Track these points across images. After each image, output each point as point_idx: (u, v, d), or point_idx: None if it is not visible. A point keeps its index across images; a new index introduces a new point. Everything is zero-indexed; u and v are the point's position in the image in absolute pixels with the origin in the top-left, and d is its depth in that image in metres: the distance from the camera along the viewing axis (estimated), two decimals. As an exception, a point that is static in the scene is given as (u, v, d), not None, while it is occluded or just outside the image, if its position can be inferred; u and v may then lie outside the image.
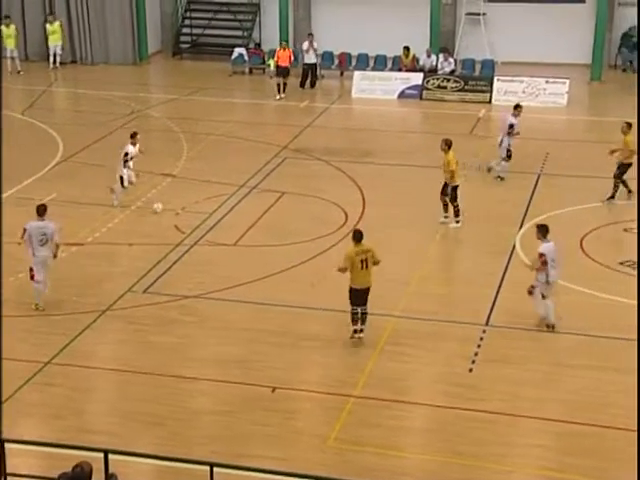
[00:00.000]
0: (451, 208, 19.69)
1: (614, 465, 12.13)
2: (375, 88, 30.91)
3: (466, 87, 30.38)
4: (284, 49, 30.82)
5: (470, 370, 14.33)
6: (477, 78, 31.07)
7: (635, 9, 31.94)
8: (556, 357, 14.73)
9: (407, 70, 31.60)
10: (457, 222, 19.70)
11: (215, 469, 10.17)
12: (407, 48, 31.81)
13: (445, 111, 29.43)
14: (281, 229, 19.68)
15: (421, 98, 30.62)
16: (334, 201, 21.05)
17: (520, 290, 15.83)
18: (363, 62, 33.05)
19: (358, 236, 14.99)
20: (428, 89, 30.68)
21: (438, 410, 13.48)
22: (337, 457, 12.34)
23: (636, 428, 12.39)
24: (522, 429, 13.01)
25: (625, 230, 19.24)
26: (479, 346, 15.01)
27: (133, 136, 20.81)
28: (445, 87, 30.54)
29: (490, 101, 29.89)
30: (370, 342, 15.09)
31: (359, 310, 15.01)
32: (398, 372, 14.35)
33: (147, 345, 15.10)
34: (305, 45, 31.67)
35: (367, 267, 14.85)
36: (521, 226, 19.61)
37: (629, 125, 21.13)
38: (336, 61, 33.44)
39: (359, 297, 14.98)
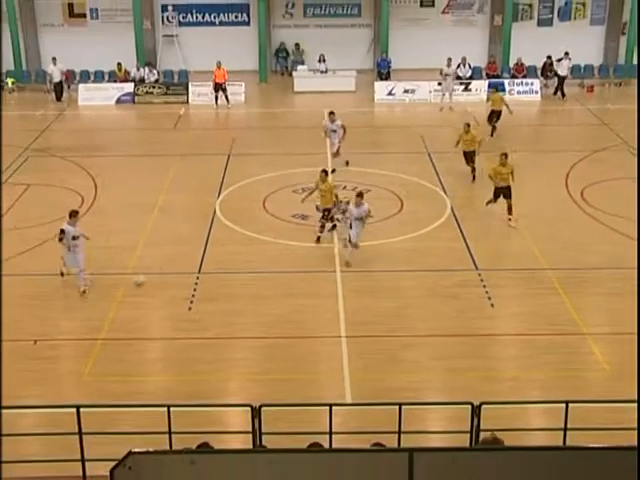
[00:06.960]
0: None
1: (300, 363, 12.52)
2: (96, 96, 29.46)
3: (168, 92, 29.69)
4: (219, 68, 28.56)
5: (189, 309, 14.16)
6: (176, 84, 30.44)
7: (287, 30, 32.91)
8: (255, 291, 14.81)
9: (121, 81, 30.39)
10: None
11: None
12: (120, 64, 30.61)
13: (153, 111, 28.57)
14: (27, 214, 18.37)
15: (134, 102, 29.54)
16: (72, 188, 19.94)
17: (225, 243, 15.65)
18: (86, 77, 31.42)
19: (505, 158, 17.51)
20: (139, 95, 29.67)
21: (169, 342, 13.25)
22: (90, 387, 11.84)
23: None
24: (235, 348, 13.04)
25: (294, 191, 19.67)
26: (195, 289, 14.85)
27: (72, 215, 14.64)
28: (152, 92, 29.69)
29: (188, 102, 29.45)
30: (109, 296, 14.52)
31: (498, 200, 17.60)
32: (134, 317, 13.90)
33: None
34: (50, 67, 29.57)
35: None
36: (219, 195, 19.57)
37: (495, 89, 24.71)
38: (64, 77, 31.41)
39: (501, 193, 17.53)
